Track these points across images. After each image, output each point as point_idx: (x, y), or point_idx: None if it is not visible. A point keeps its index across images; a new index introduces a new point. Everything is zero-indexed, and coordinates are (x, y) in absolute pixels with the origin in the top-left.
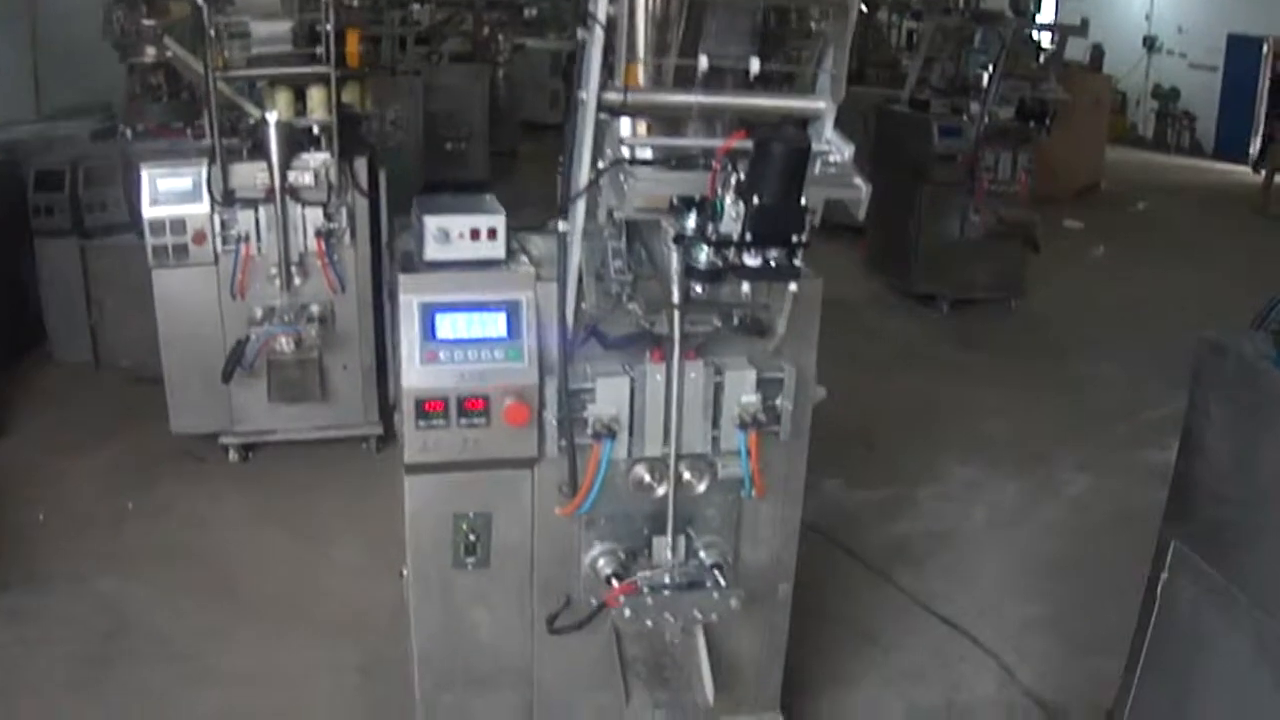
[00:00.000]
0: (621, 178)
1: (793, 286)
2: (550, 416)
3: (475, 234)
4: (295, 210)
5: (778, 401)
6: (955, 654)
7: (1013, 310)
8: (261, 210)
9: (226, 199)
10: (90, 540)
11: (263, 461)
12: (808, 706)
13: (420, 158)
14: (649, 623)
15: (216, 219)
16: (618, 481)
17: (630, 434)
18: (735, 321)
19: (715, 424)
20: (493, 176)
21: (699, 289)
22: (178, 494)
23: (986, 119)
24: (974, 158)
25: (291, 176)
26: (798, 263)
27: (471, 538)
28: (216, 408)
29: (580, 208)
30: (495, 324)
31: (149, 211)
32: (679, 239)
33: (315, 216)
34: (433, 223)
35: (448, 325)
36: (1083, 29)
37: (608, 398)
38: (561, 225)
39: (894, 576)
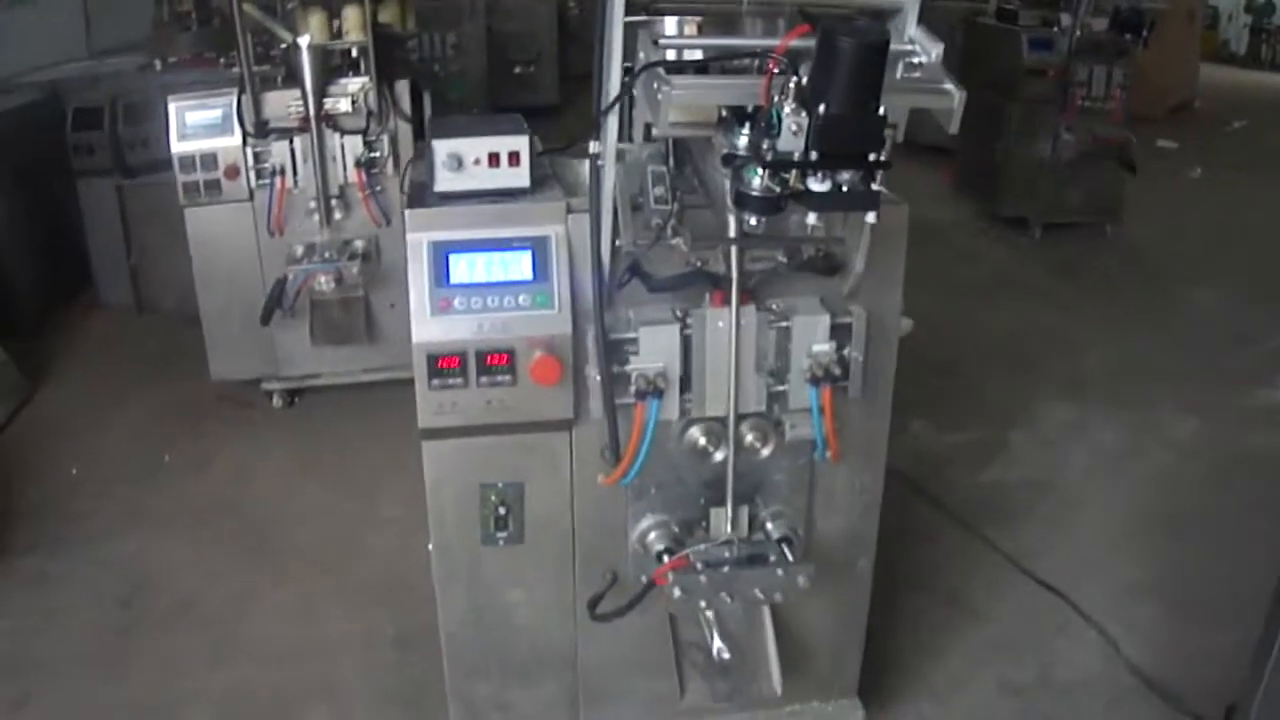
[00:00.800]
0: (655, 86)
1: (870, 217)
2: (589, 371)
3: (494, 159)
4: (333, 139)
5: (846, 352)
6: (1053, 623)
7: (1107, 235)
8: (297, 141)
9: (259, 130)
10: (122, 497)
11: (308, 407)
12: (886, 683)
13: (485, 83)
14: (703, 603)
15: (249, 152)
16: (669, 445)
17: (681, 392)
18: (804, 257)
19: (781, 379)
20: (563, 101)
21: (753, 221)
22: (218, 445)
23: (1079, 31)
24: (1065, 72)
25: (328, 104)
26: (876, 187)
27: (502, 510)
28: (258, 352)
29: (612, 124)
30: (519, 265)
31: (177, 147)
32: (728, 159)
33: (354, 145)
34: (443, 148)
35: (463, 267)
36: None
37: (653, 349)
38: (593, 146)
39: (985, 531)
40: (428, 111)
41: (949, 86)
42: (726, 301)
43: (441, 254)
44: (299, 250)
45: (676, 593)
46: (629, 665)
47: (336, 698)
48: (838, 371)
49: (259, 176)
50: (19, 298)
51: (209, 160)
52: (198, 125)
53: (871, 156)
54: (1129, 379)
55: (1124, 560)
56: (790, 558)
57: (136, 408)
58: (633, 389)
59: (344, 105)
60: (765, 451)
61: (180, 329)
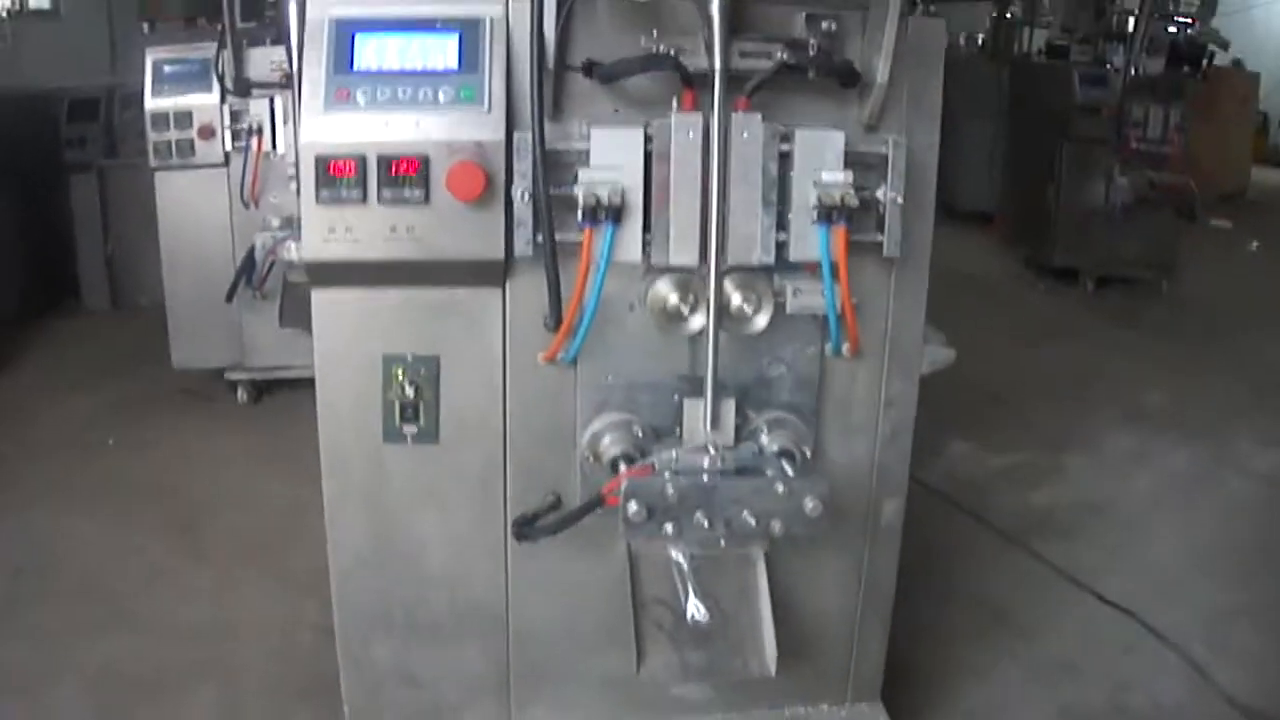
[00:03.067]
0: None
1: None
2: (520, 194)
3: None
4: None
5: (879, 193)
6: (1119, 642)
7: (1164, 292)
8: (278, 99)
9: (239, 88)
10: (50, 473)
11: (276, 404)
12: (922, 702)
13: None
14: (668, 528)
15: (226, 110)
16: (631, 312)
17: (646, 227)
18: (810, 54)
19: (782, 223)
20: None
21: None
22: (168, 432)
23: (1134, 68)
24: (1120, 111)
25: None
26: None
27: (410, 393)
28: (225, 339)
29: None
30: (443, 51)
31: (151, 103)
32: None
33: None
34: None
35: (371, 51)
36: None
37: (607, 158)
38: None
39: (1037, 550)
40: None
41: None
42: (699, 105)
43: (345, 33)
44: (274, 222)
45: (632, 507)
46: (576, 632)
47: (228, 680)
48: (854, 204)
49: (235, 138)
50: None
51: (183, 118)
52: (175, 77)
53: None
54: (1195, 412)
55: (1205, 583)
56: (791, 472)
57: (93, 396)
58: (580, 212)
59: None
60: (759, 321)
61: (154, 327)
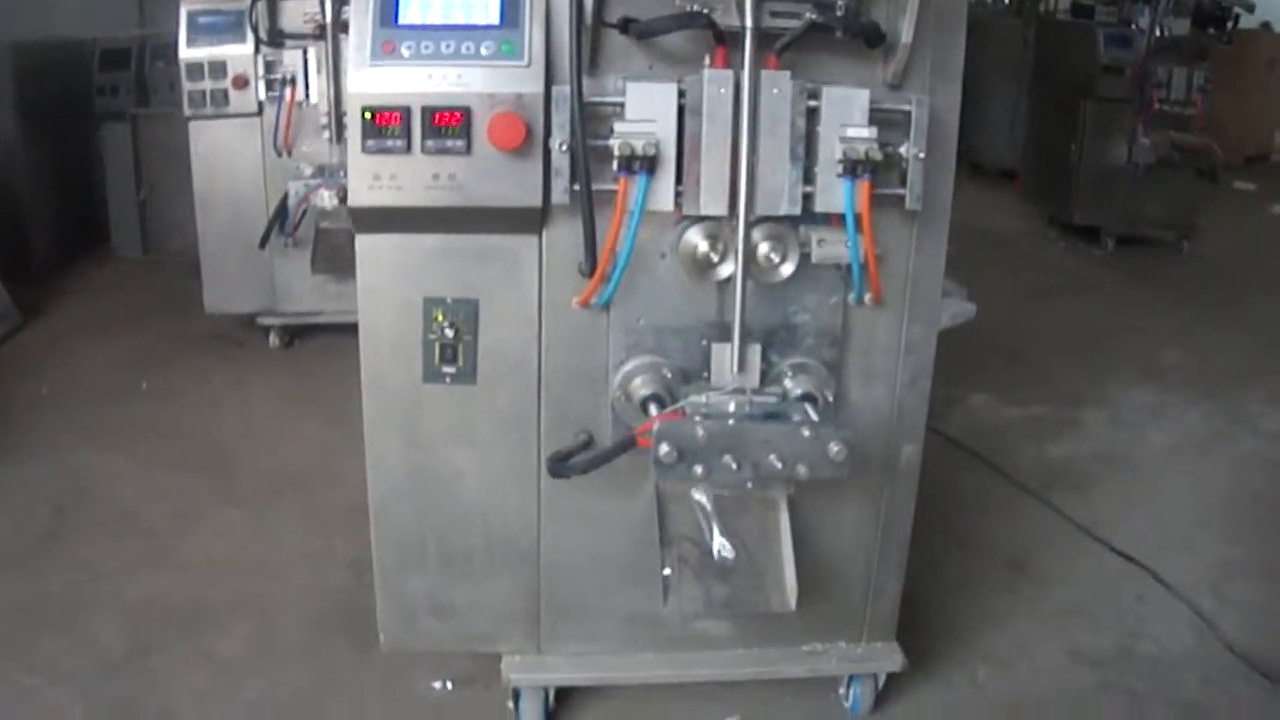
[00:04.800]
0: None
1: None
2: (559, 144)
3: None
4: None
5: (904, 149)
6: (1130, 592)
7: (1183, 252)
8: (311, 50)
9: (273, 38)
10: (86, 415)
11: (307, 348)
12: (935, 647)
13: None
14: (697, 470)
15: (260, 61)
16: (663, 260)
17: (679, 179)
18: (838, 14)
19: (809, 176)
20: None
21: None
22: (201, 376)
23: (1158, 29)
24: (1143, 71)
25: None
26: None
27: (450, 334)
28: (257, 285)
29: None
30: (485, 7)
31: (185, 53)
32: None
33: None
34: None
35: (416, 6)
36: None
37: (642, 111)
38: None
39: (1051, 500)
40: None
41: None
42: (731, 63)
43: None
44: (307, 170)
45: (663, 449)
46: (605, 568)
47: (265, 615)
48: (879, 158)
49: (268, 88)
50: (33, 245)
51: (217, 68)
52: (209, 28)
53: None
54: (1211, 371)
55: (1215, 536)
56: (815, 417)
57: (126, 342)
58: (615, 163)
59: None
60: (785, 269)
61: (185, 273)
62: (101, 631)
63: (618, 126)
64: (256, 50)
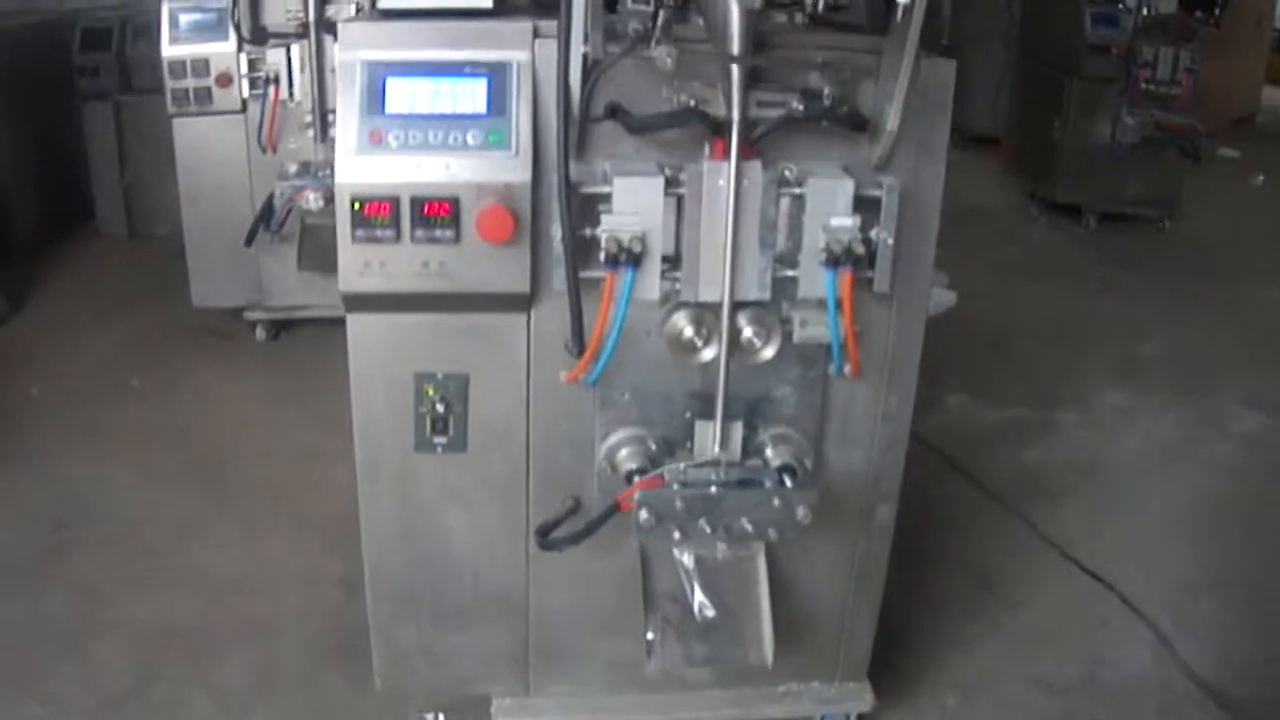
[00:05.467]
0: None
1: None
2: (552, 232)
3: None
4: (333, 48)
5: (874, 233)
6: (1098, 615)
7: (1165, 231)
8: (294, 48)
9: (256, 36)
10: (80, 417)
11: (294, 341)
12: (904, 671)
13: None
14: (676, 534)
15: (243, 59)
16: (649, 338)
17: (669, 269)
18: (824, 104)
19: (791, 262)
20: None
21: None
22: (190, 372)
23: (1145, 8)
24: (1130, 50)
25: (330, 9)
26: None
27: (440, 408)
28: (244, 279)
29: None
30: (472, 95)
31: (168, 51)
32: None
33: None
34: None
35: (403, 95)
36: None
37: (629, 206)
38: None
39: (1026, 514)
40: None
41: None
42: (730, 153)
43: (377, 77)
44: (292, 168)
45: (643, 515)
46: (590, 618)
47: (263, 639)
48: (860, 251)
49: (252, 86)
50: (17, 224)
51: (200, 66)
52: (191, 26)
53: None
54: (1188, 367)
55: (1179, 553)
56: (788, 484)
57: (113, 334)
58: (601, 255)
59: (348, 10)
60: (767, 352)
61: (169, 258)
62: (107, 659)
63: (605, 220)
64: (239, 48)
